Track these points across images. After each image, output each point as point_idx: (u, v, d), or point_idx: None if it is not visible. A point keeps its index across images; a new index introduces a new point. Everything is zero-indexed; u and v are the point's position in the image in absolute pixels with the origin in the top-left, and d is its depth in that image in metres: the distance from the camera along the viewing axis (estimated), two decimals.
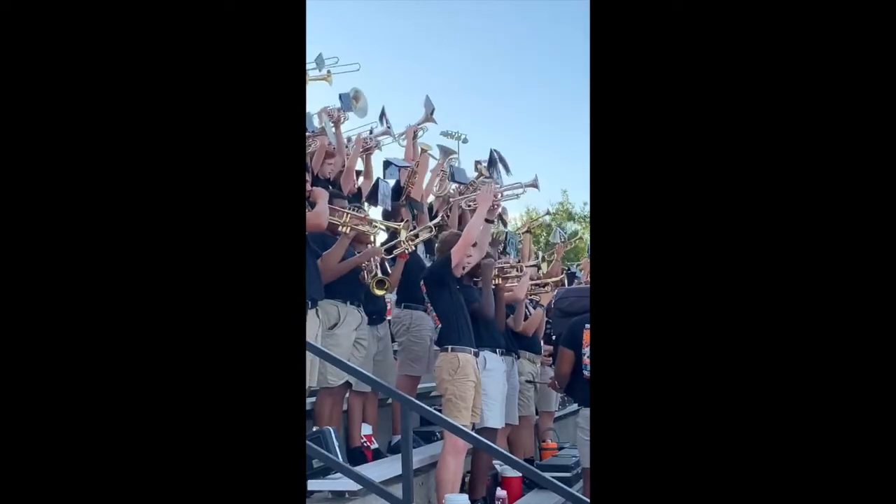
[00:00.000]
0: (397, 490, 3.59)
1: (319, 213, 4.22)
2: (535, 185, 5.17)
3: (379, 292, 4.58)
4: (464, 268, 4.58)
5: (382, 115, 6.36)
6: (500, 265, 5.27)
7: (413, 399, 3.85)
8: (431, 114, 6.50)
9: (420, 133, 6.57)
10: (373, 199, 4.85)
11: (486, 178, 5.76)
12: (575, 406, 6.04)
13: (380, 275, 4.56)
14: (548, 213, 14.35)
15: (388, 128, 6.41)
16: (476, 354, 4.60)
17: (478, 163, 6.38)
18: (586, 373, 4.68)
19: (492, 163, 5.97)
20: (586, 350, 4.68)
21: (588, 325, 4.70)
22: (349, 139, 6.39)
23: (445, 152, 6.29)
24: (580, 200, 28.63)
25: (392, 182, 5.67)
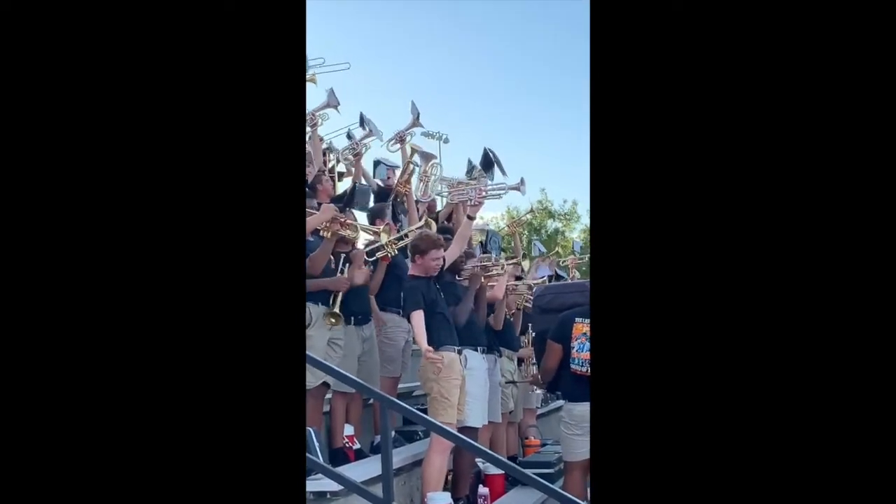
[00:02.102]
0: (379, 490, 3.60)
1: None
2: (518, 188, 5.20)
3: (332, 321, 4.62)
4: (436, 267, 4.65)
5: (362, 120, 6.40)
6: (482, 263, 5.29)
7: (392, 398, 3.86)
8: (417, 118, 6.57)
9: (408, 137, 6.64)
10: (350, 203, 4.87)
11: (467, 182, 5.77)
12: (559, 403, 6.07)
13: (336, 308, 4.62)
14: (532, 211, 14.31)
15: (371, 130, 6.45)
16: (459, 353, 4.62)
17: (472, 167, 6.40)
18: (574, 366, 4.68)
19: (488, 163, 5.97)
20: (575, 344, 4.68)
21: (578, 319, 4.70)
22: (330, 144, 6.42)
23: (426, 158, 6.34)
24: (559, 198, 28.71)
25: (376, 182, 5.70)
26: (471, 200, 4.87)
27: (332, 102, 6.02)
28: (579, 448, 4.52)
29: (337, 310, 4.58)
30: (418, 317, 4.47)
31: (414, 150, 6.44)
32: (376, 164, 6.07)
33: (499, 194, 5.10)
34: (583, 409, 4.42)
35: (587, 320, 4.59)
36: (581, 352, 4.61)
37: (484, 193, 4.94)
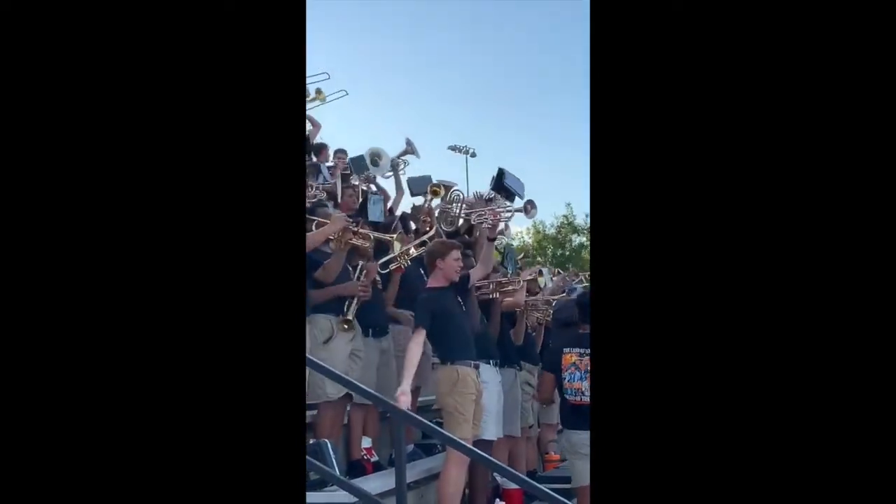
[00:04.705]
0: (393, 502, 3.60)
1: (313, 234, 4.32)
2: (522, 210, 5.23)
3: (345, 327, 4.62)
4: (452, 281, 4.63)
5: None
6: (497, 279, 5.28)
7: (406, 411, 3.87)
8: (412, 148, 6.60)
9: (402, 165, 6.63)
10: (363, 213, 4.90)
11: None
12: None
13: (350, 315, 4.61)
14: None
15: (410, 148, 6.58)
16: (476, 367, 4.61)
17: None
18: (567, 396, 4.67)
19: (500, 184, 5.93)
20: (566, 374, 4.67)
21: (566, 350, 4.69)
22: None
23: (444, 189, 6.35)
24: (584, 212, 28.57)
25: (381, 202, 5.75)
26: (487, 222, 4.85)
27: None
28: (584, 472, 4.50)
29: (350, 316, 4.57)
30: (416, 341, 4.35)
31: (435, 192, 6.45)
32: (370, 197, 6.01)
33: (508, 217, 5.11)
34: (580, 436, 4.42)
35: (574, 350, 4.61)
36: (572, 382, 4.59)
37: (498, 217, 4.94)
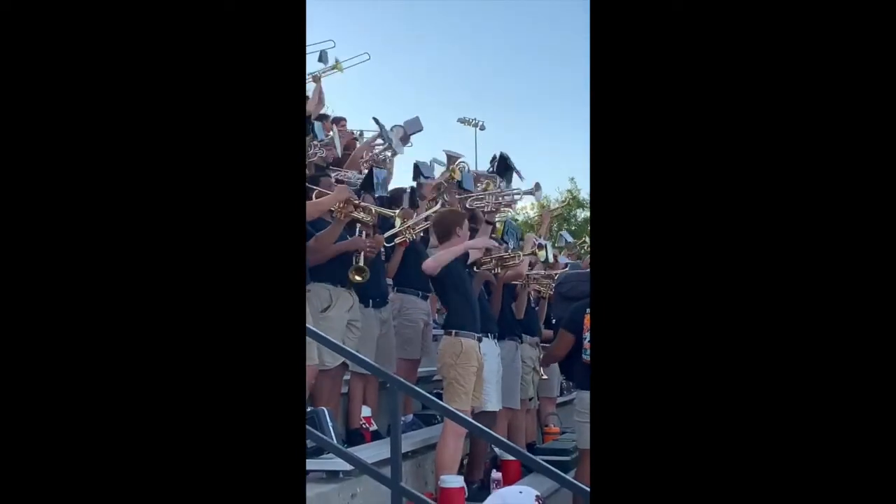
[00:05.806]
0: (389, 471, 3.62)
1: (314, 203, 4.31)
2: (532, 192, 5.24)
3: (357, 278, 4.61)
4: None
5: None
6: (498, 254, 5.28)
7: (404, 381, 3.87)
8: (410, 134, 6.55)
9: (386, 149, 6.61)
10: (368, 187, 4.87)
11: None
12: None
13: (360, 263, 4.59)
14: (563, 204, 14.26)
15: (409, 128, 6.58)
16: (479, 340, 4.63)
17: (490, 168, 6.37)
18: (586, 357, 4.70)
19: (503, 168, 5.91)
20: (587, 335, 4.70)
21: (588, 311, 4.71)
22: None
23: (451, 159, 6.31)
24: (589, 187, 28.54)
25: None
26: (488, 206, 4.90)
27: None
28: None
29: (362, 263, 4.58)
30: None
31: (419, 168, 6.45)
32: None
33: (515, 199, 5.14)
34: None
35: None
36: None
37: (501, 200, 4.98)
